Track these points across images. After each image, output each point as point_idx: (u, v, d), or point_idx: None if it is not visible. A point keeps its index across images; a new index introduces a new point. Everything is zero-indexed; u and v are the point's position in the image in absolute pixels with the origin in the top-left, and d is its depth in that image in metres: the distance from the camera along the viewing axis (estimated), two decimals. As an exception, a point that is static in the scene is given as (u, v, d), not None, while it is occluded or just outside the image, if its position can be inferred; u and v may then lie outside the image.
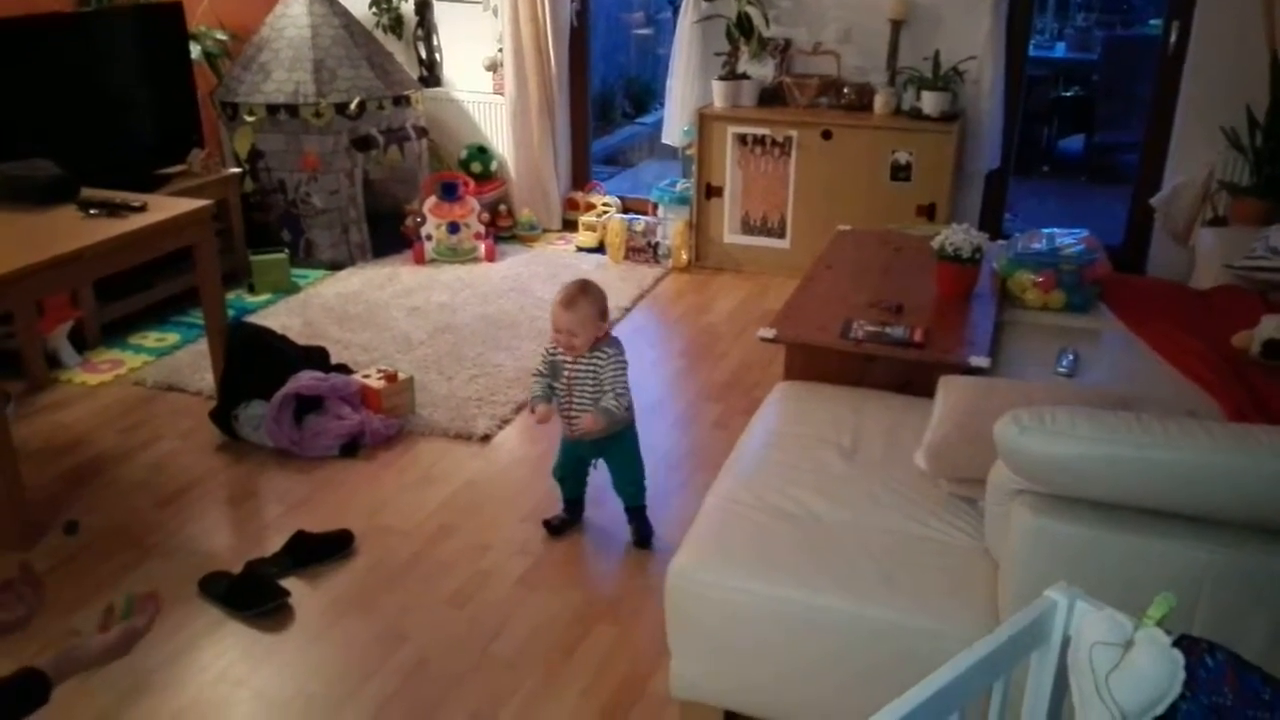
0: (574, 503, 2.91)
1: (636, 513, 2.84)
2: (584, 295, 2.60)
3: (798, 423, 2.49)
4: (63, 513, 2.95)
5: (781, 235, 4.91)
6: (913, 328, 2.78)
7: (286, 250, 4.83)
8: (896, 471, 2.27)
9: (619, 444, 2.76)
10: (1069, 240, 3.35)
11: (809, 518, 2.12)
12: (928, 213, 4.59)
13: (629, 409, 2.70)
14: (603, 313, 2.64)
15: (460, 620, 2.51)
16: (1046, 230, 3.45)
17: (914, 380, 2.68)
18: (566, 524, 2.88)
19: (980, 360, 2.64)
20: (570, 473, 2.86)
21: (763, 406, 2.65)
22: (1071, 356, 2.80)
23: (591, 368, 2.64)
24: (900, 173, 4.60)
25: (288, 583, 2.61)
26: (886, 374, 2.71)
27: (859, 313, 2.90)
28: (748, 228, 4.97)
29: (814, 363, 2.79)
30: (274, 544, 2.77)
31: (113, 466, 3.22)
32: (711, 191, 4.95)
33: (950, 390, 2.35)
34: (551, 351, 2.69)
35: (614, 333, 2.76)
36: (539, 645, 2.44)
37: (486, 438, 3.43)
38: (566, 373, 2.67)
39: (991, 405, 2.20)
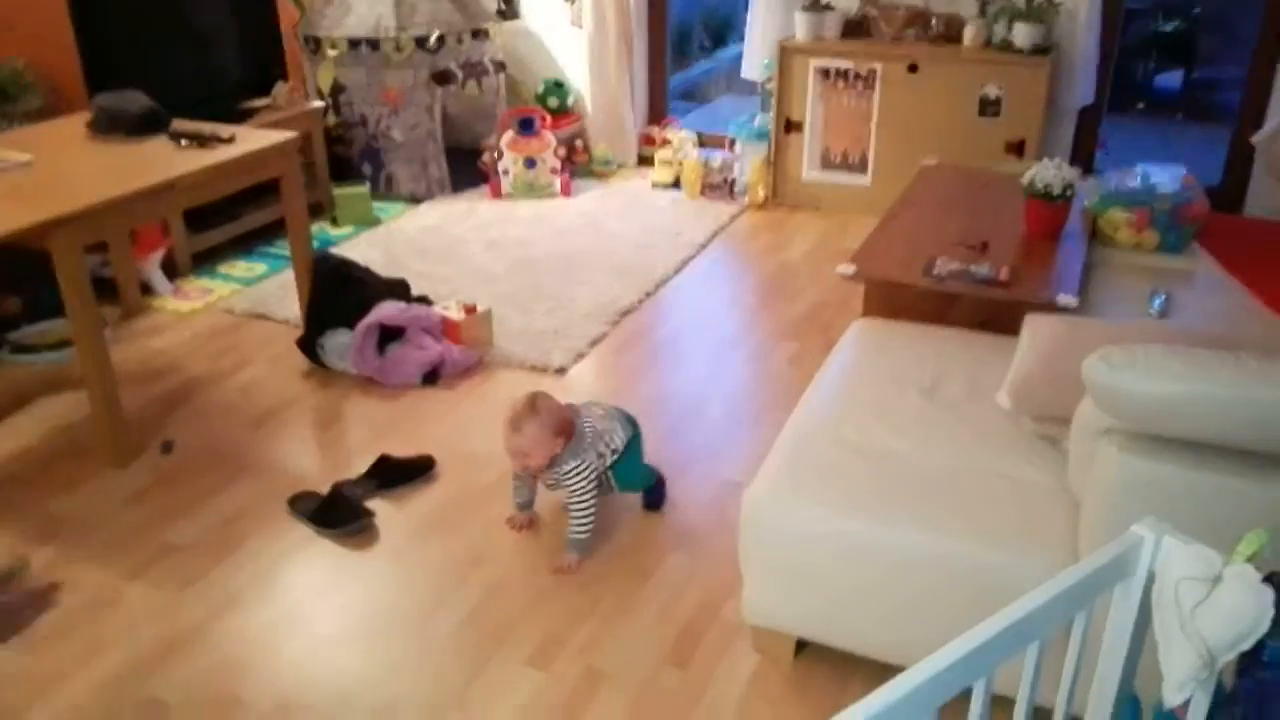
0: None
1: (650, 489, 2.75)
2: (531, 414, 2.40)
3: (876, 360, 2.47)
4: (159, 433, 3.08)
5: (862, 172, 4.81)
6: (998, 266, 2.72)
7: (368, 184, 4.91)
8: (977, 410, 2.24)
9: (624, 464, 2.61)
10: (1164, 178, 3.22)
11: (885, 453, 2.12)
12: (1016, 149, 4.46)
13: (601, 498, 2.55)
14: (559, 428, 2.44)
15: (537, 544, 2.58)
16: (1141, 167, 3.33)
17: (997, 320, 2.63)
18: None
19: (1068, 300, 2.58)
20: None
21: (840, 343, 2.63)
22: (1164, 298, 2.71)
23: (555, 479, 2.50)
24: (989, 107, 4.47)
25: (372, 504, 2.70)
26: (969, 313, 2.67)
27: (942, 250, 2.84)
28: (827, 164, 4.88)
29: (894, 301, 2.75)
30: (359, 467, 2.86)
31: (205, 390, 3.34)
32: (791, 126, 4.86)
33: (1036, 328, 2.30)
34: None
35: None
36: (613, 571, 2.49)
37: (562, 370, 3.47)
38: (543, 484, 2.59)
39: (1079, 343, 2.15)
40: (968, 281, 2.68)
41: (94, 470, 2.89)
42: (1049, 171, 2.98)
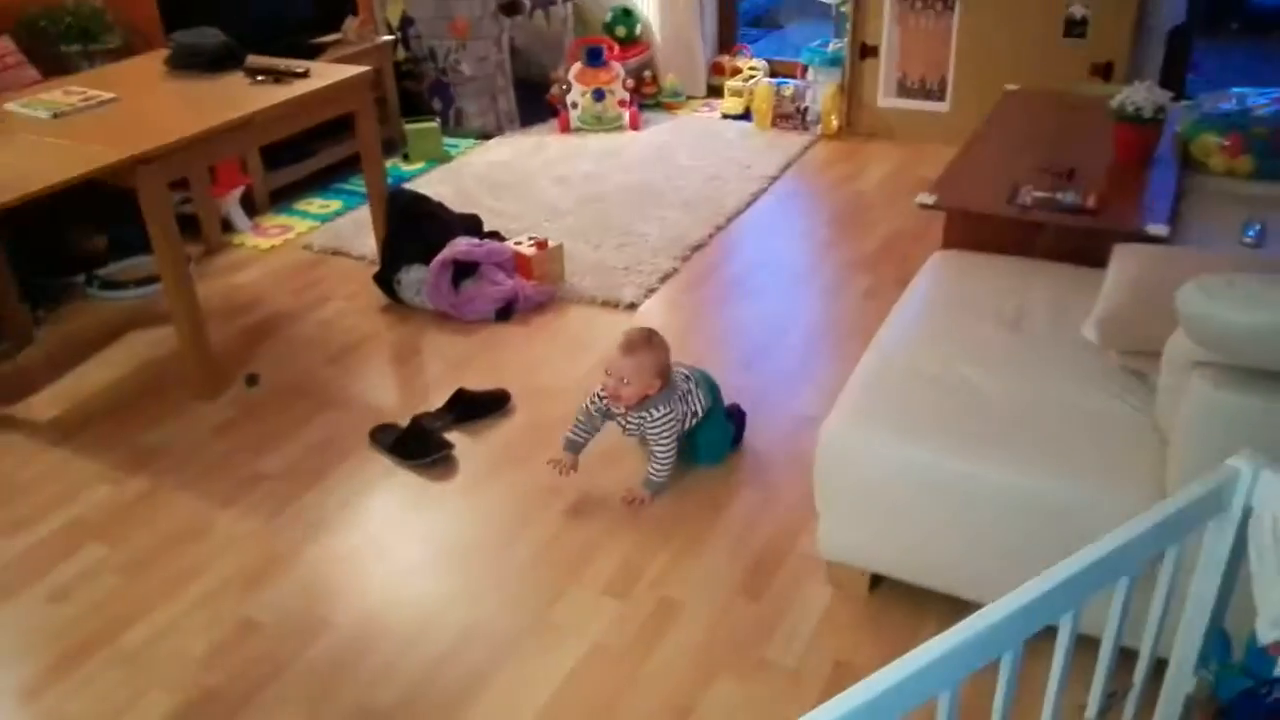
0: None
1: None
2: (647, 345, 2.44)
3: (956, 292, 2.42)
4: (243, 366, 3.16)
5: (940, 98, 4.67)
6: (1085, 193, 2.63)
7: (438, 119, 4.91)
8: (1062, 343, 2.19)
9: (704, 430, 2.62)
10: (1261, 101, 3.07)
11: (965, 386, 2.08)
12: (1103, 72, 4.28)
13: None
14: (661, 370, 2.46)
15: (611, 478, 2.60)
16: (1236, 90, 3.17)
17: (1083, 251, 2.54)
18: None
19: (1158, 228, 2.49)
20: None
21: (919, 275, 2.58)
22: (1259, 226, 2.60)
23: (638, 424, 2.50)
24: (1075, 28, 4.28)
25: (450, 436, 2.75)
26: (1054, 243, 2.59)
27: (1027, 178, 2.75)
28: (904, 90, 4.74)
29: (975, 231, 2.68)
30: (437, 400, 2.91)
31: (286, 325, 3.42)
32: (866, 52, 4.72)
33: (1125, 258, 2.23)
34: (598, 401, 2.53)
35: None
36: (687, 504, 2.51)
37: (633, 305, 3.47)
38: (620, 425, 2.55)
39: (1170, 274, 2.08)
40: (1053, 210, 2.59)
41: (182, 403, 2.99)
42: (1139, 94, 2.86)
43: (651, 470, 2.51)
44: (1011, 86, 3.65)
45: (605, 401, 2.51)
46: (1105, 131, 2.98)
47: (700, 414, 2.58)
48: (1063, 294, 2.37)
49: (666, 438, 2.48)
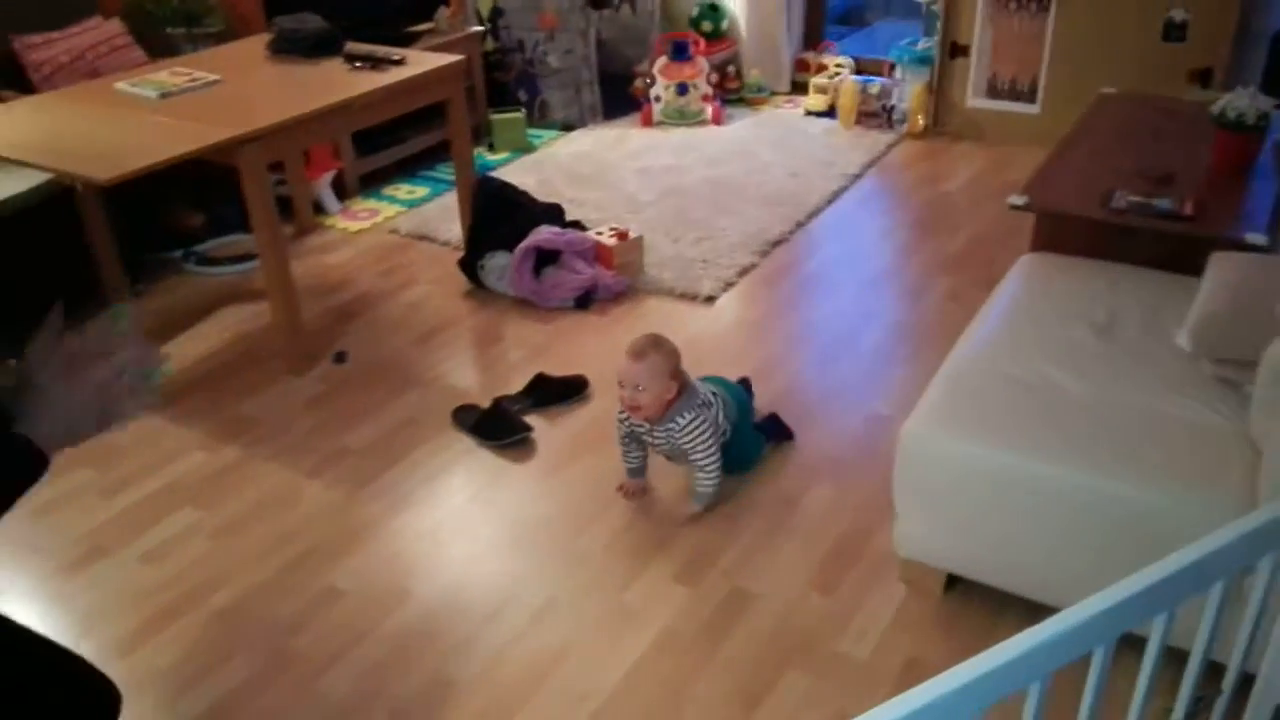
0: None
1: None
2: (655, 348, 2.32)
3: (1046, 295, 2.39)
4: (332, 344, 3.26)
5: (1031, 100, 4.59)
6: (1182, 199, 2.57)
7: (523, 109, 4.98)
8: (1153, 350, 2.15)
9: (733, 445, 2.52)
10: (1372, 110, 2.96)
11: (1052, 390, 2.06)
12: (1201, 78, 4.17)
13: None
14: (674, 372, 2.34)
15: (684, 470, 2.61)
16: (1346, 97, 3.06)
17: (1178, 258, 2.49)
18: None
19: (1258, 237, 2.42)
20: None
21: (1007, 277, 2.55)
22: (1366, 238, 2.52)
23: (666, 438, 2.39)
24: (1174, 32, 4.18)
25: (529, 420, 2.80)
26: (1147, 250, 2.54)
27: (1121, 182, 2.70)
28: (994, 91, 4.67)
29: (1065, 234, 2.64)
30: (517, 384, 2.96)
31: (373, 306, 3.51)
32: (956, 51, 4.66)
33: (1222, 266, 2.18)
34: (622, 418, 2.44)
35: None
36: (760, 497, 2.52)
37: (711, 298, 3.48)
38: (651, 446, 2.47)
39: (1269, 283, 2.04)
40: (1149, 215, 2.54)
41: (274, 377, 3.09)
42: (1242, 101, 2.79)
43: (698, 481, 2.43)
44: (1108, 89, 3.58)
45: (628, 420, 2.42)
46: (1204, 137, 2.91)
47: (729, 430, 2.49)
48: (1155, 300, 2.32)
49: (704, 444, 2.36)
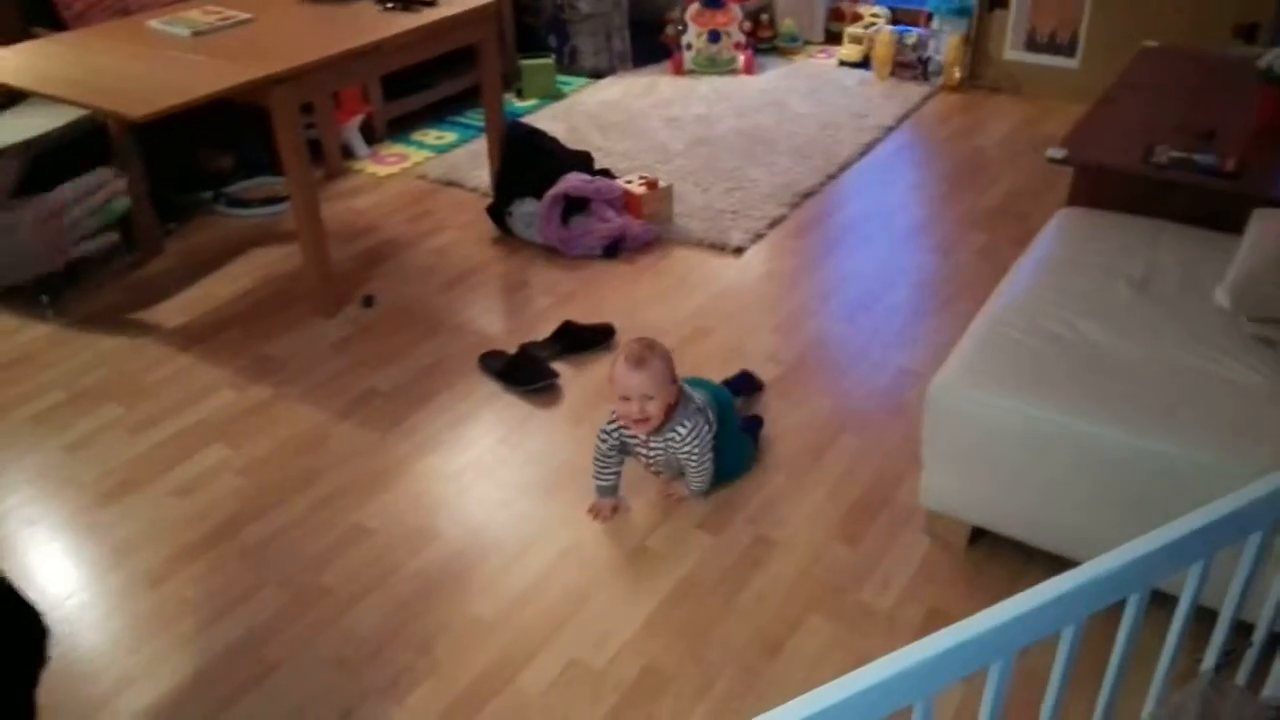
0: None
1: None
2: (653, 353, 2.16)
3: (1083, 250, 2.36)
4: (360, 287, 3.26)
5: (1070, 54, 4.49)
6: (1225, 156, 2.52)
7: (553, 55, 4.93)
8: (1191, 306, 2.12)
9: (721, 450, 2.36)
10: None
11: (1086, 345, 2.03)
12: (1246, 33, 4.06)
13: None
14: (673, 374, 2.21)
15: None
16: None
17: (1218, 215, 2.44)
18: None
19: (1302, 195, 2.37)
20: None
21: (1043, 231, 2.52)
22: None
23: (664, 449, 2.25)
24: (1221, -15, 4.07)
25: (555, 366, 2.81)
26: (1187, 206, 2.49)
27: (1162, 137, 2.65)
28: (1033, 44, 4.58)
29: (1104, 189, 2.59)
30: (544, 330, 2.96)
31: (401, 251, 3.51)
32: (996, 2, 4.56)
33: (1264, 223, 2.14)
34: (610, 438, 2.28)
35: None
36: (785, 448, 2.51)
37: (739, 250, 3.46)
38: (642, 459, 2.31)
39: (1315, 241, 2.00)
40: (1190, 171, 2.49)
41: (302, 318, 3.10)
42: (1292, 55, 2.71)
43: (691, 480, 2.32)
44: (1149, 43, 3.50)
45: (622, 434, 2.27)
46: (1247, 93, 2.84)
47: (716, 431, 2.33)
48: (1194, 257, 2.28)
49: (697, 454, 2.25)
